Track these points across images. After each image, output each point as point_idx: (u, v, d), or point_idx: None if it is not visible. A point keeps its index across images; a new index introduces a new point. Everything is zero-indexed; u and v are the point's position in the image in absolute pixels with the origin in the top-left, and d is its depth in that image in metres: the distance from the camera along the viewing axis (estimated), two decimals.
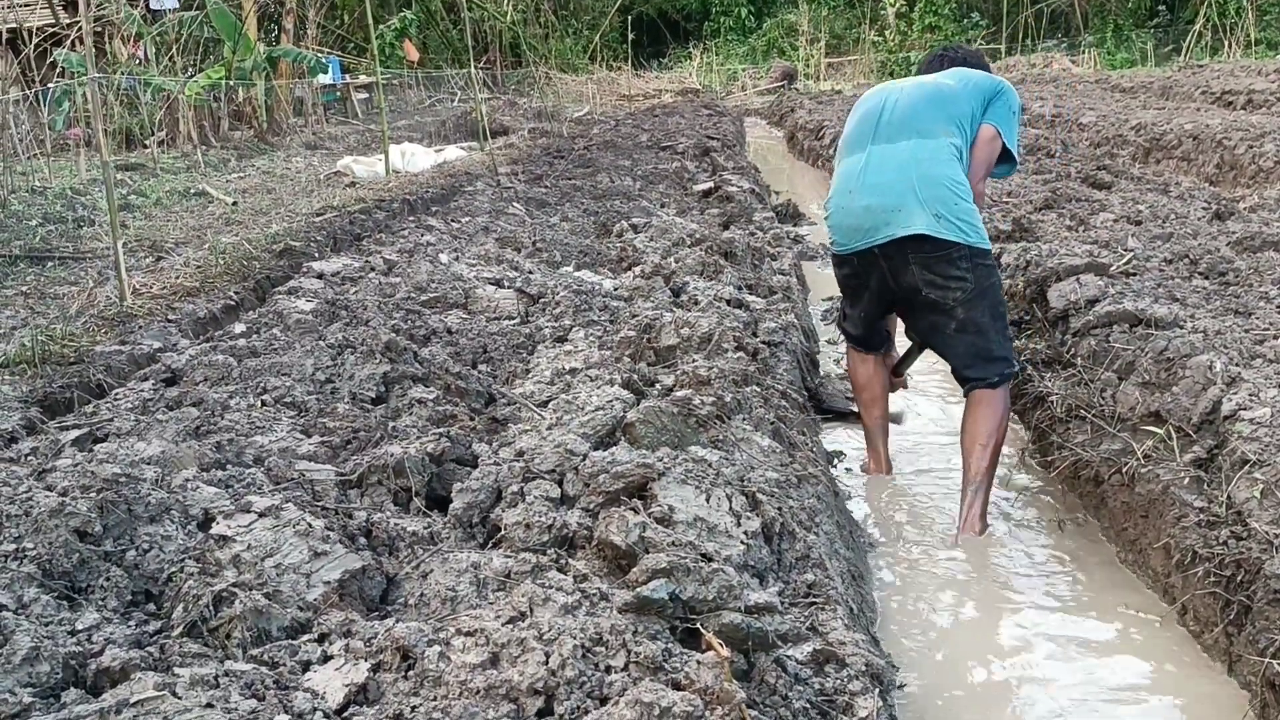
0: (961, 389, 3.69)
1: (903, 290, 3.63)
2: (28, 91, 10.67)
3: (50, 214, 7.43)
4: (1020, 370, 3.87)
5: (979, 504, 3.52)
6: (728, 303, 4.47)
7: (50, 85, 11.52)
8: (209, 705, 1.64)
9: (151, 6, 14.80)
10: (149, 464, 2.60)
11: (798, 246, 7.45)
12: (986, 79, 3.74)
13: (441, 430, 3.00)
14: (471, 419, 3.24)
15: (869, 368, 4.02)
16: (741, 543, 2.33)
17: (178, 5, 14.44)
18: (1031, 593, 3.17)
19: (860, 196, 3.59)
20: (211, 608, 1.99)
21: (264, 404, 3.29)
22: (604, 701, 1.69)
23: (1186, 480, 3.01)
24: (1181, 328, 3.74)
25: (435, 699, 1.71)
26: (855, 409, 4.21)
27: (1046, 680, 2.72)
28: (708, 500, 2.43)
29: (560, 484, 2.57)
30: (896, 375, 4.19)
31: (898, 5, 28.95)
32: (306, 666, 1.86)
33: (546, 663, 1.73)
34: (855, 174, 3.64)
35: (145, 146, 11.39)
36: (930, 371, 4.74)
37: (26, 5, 15.06)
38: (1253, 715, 2.46)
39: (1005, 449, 3.78)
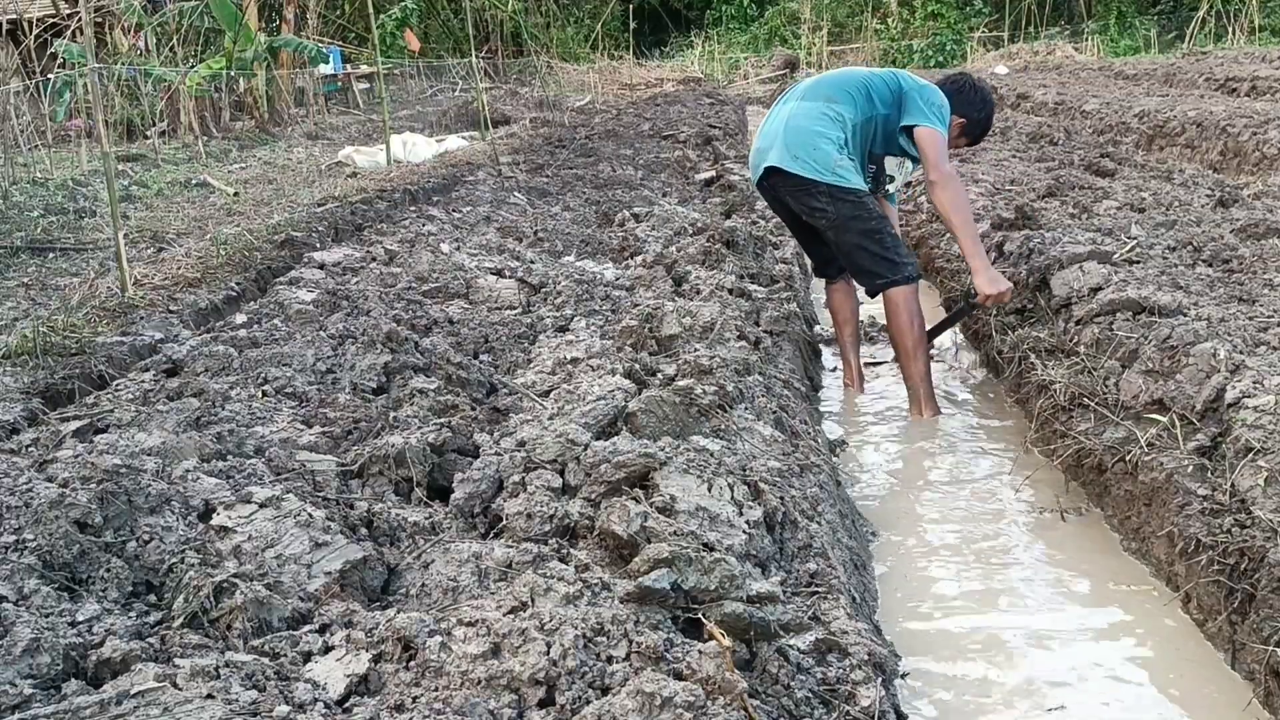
0: None
1: (791, 216, 4.63)
2: (28, 82, 10.67)
3: (51, 205, 7.42)
4: (905, 280, 4.40)
5: (920, 395, 4.47)
6: (730, 292, 4.46)
7: (51, 76, 11.51)
8: (209, 696, 1.64)
9: None
10: (150, 455, 2.59)
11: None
12: (904, 77, 4.45)
13: (443, 420, 2.99)
14: (473, 409, 3.23)
15: (837, 293, 4.85)
16: (744, 532, 2.32)
17: None
18: (1034, 581, 3.16)
19: (756, 143, 4.62)
20: (212, 599, 1.99)
21: (265, 394, 3.28)
22: (605, 691, 1.68)
23: (1190, 468, 3.00)
24: (1185, 315, 3.73)
25: (437, 689, 1.71)
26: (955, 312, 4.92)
27: (1049, 669, 2.72)
28: (710, 490, 2.43)
29: (562, 474, 2.56)
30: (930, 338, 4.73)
31: None
32: (308, 657, 1.86)
33: (548, 653, 1.72)
34: (759, 129, 4.67)
35: (146, 137, 11.38)
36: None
37: None
38: (1256, 704, 2.45)
39: (1005, 437, 3.95)
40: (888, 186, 4.66)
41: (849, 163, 4.35)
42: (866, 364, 5.09)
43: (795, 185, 4.37)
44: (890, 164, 4.59)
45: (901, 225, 5.93)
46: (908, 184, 5.54)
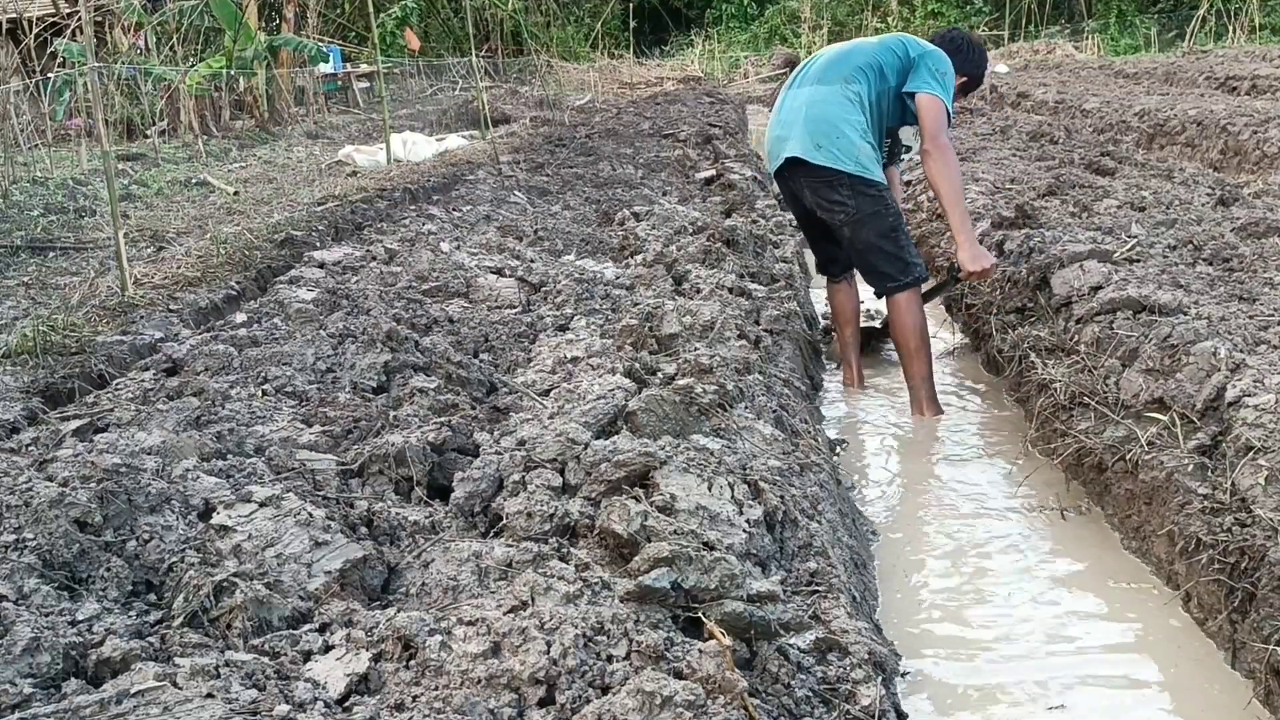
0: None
1: (804, 210, 4.58)
2: (28, 81, 10.66)
3: (52, 204, 7.42)
4: (914, 282, 4.47)
5: (922, 396, 4.47)
6: (730, 291, 4.46)
7: (51, 75, 11.50)
8: (209, 695, 1.63)
9: None
10: (149, 454, 2.59)
11: (800, 234, 7.42)
12: (911, 43, 4.42)
13: (443, 419, 2.99)
14: (473, 408, 3.23)
15: (839, 293, 4.90)
16: (744, 531, 2.32)
17: None
18: (1034, 580, 3.17)
19: (773, 130, 4.57)
20: (212, 598, 1.99)
21: (265, 393, 3.28)
22: (606, 690, 1.68)
23: (1190, 467, 3.00)
24: (1185, 314, 3.72)
25: (437, 688, 1.71)
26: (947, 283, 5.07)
27: (1049, 667, 2.72)
28: (710, 489, 2.43)
29: (562, 473, 2.56)
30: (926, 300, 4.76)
31: None
32: (308, 656, 1.85)
33: (548, 652, 1.72)
34: (774, 115, 4.63)
35: (146, 136, 11.37)
36: None
37: None
38: (1256, 703, 2.45)
39: (1005, 436, 4.00)
40: (903, 156, 4.70)
41: (872, 152, 4.37)
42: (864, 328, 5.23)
43: (817, 177, 4.36)
44: (906, 134, 4.67)
45: None
46: (908, 183, 5.57)
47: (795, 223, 4.94)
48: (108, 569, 2.09)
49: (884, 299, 4.60)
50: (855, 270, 4.87)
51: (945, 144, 4.27)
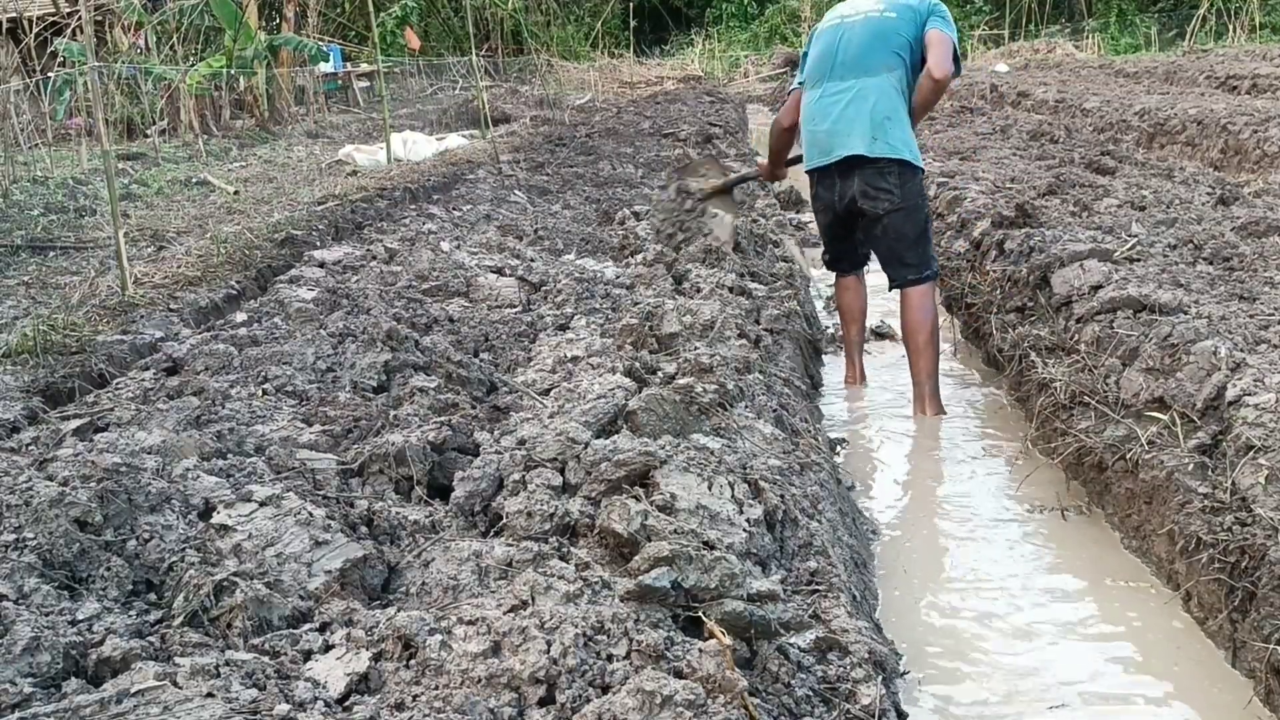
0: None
1: (845, 203, 4.49)
2: (29, 81, 10.66)
3: (52, 204, 7.42)
4: (934, 276, 4.57)
5: (926, 393, 4.49)
6: (730, 290, 4.46)
7: (51, 75, 11.50)
8: (210, 695, 1.63)
9: None
10: (150, 453, 2.59)
11: (800, 233, 7.43)
12: (919, 3, 4.41)
13: (443, 419, 2.99)
14: (473, 407, 3.23)
15: (848, 290, 4.87)
16: (744, 530, 2.32)
17: None
18: (1034, 580, 3.16)
19: (821, 124, 4.47)
20: (212, 597, 1.99)
21: (265, 393, 3.28)
22: (606, 690, 1.68)
23: (1191, 466, 3.00)
24: (1186, 313, 3.72)
25: (437, 688, 1.71)
26: None
27: (1049, 667, 2.72)
28: (710, 488, 2.42)
29: (562, 472, 2.56)
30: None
31: None
32: (308, 656, 1.85)
33: (548, 651, 1.72)
34: (817, 105, 4.51)
35: (147, 136, 11.37)
36: None
37: None
38: (1257, 702, 2.45)
39: (1005, 436, 3.99)
40: None
41: (915, 138, 4.49)
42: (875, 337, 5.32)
43: (871, 166, 4.40)
44: None
45: None
46: None
47: (823, 217, 4.72)
48: (108, 568, 2.09)
49: (898, 291, 4.58)
50: (863, 268, 4.86)
51: (948, 78, 4.32)
